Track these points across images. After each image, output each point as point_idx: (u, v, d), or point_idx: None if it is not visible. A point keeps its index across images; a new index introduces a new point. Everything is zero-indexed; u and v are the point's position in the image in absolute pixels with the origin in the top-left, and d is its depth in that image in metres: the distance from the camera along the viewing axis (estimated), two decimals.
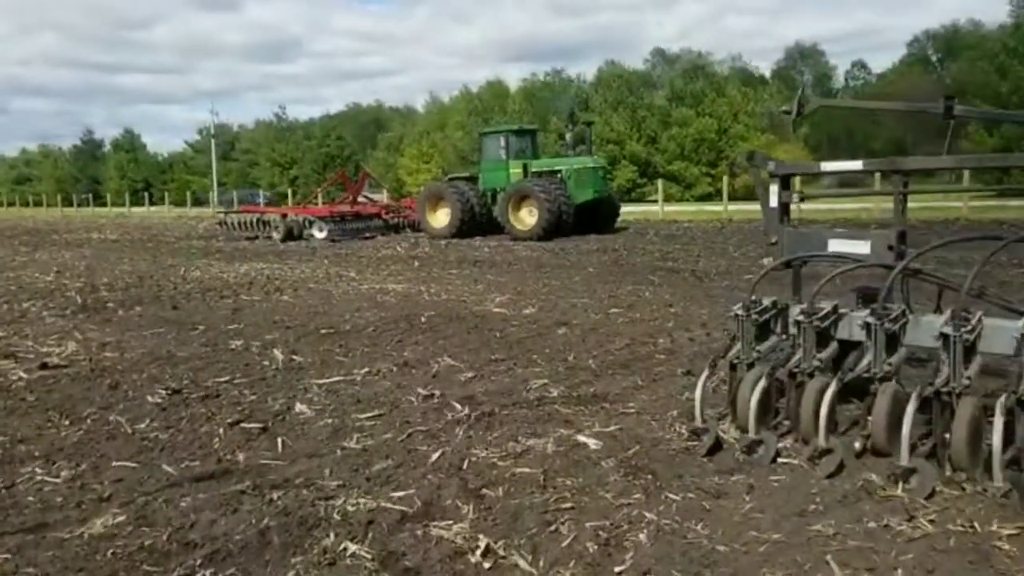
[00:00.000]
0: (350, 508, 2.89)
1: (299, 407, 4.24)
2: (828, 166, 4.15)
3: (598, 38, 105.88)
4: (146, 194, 54.73)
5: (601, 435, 3.65)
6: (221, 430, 3.88)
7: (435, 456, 3.43)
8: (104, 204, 55.58)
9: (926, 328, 3.35)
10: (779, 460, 3.24)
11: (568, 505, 2.88)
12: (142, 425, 3.98)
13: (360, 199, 22.44)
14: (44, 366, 5.33)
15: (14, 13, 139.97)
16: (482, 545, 2.56)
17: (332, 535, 2.68)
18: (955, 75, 39.58)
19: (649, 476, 3.14)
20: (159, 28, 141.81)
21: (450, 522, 2.76)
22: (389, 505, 2.91)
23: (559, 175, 17.99)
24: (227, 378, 4.93)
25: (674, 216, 24.71)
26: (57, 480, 3.26)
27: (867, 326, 3.34)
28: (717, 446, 3.41)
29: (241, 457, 3.50)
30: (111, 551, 2.60)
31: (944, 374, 3.06)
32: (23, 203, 64.36)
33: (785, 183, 4.11)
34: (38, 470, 3.37)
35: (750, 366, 3.62)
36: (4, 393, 4.67)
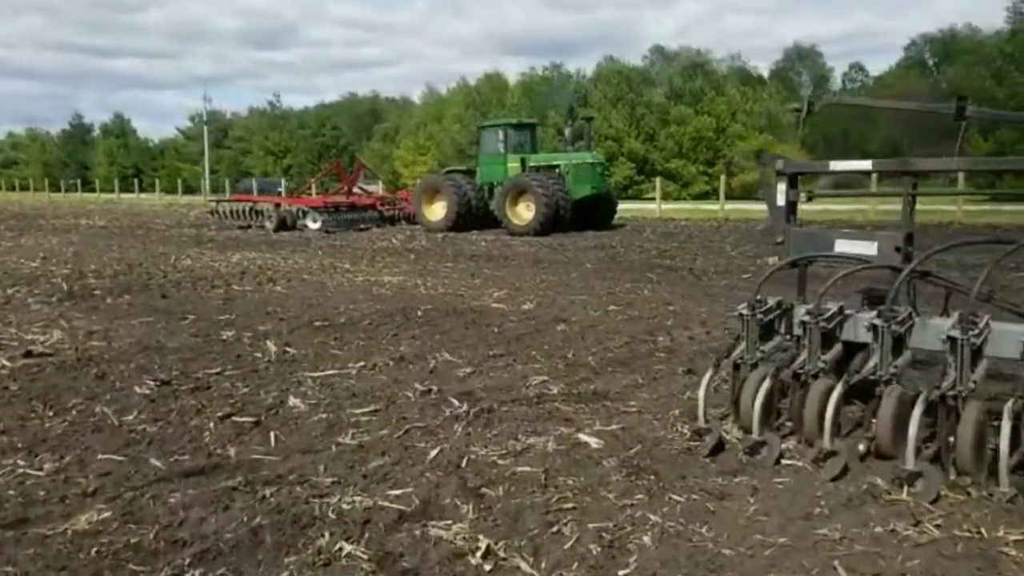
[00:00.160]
0: (345, 506, 2.82)
1: (292, 401, 4.15)
2: (837, 165, 4.09)
3: (597, 34, 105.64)
4: (136, 180, 54.18)
5: (602, 434, 3.59)
6: (212, 423, 3.79)
7: (433, 453, 3.36)
8: (92, 190, 54.85)
9: (933, 331, 3.32)
10: (782, 462, 3.21)
11: (570, 505, 2.83)
12: (129, 417, 3.89)
13: (355, 190, 22.30)
14: (28, 354, 5.20)
15: None
16: (482, 546, 2.50)
17: (327, 534, 2.60)
18: (951, 79, 39.67)
19: (652, 476, 3.09)
20: (152, 11, 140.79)
21: (449, 522, 2.70)
22: (386, 504, 2.84)
23: (557, 170, 17.90)
24: (218, 370, 4.83)
25: (671, 214, 24.70)
26: (40, 473, 3.16)
27: (874, 328, 3.31)
28: (719, 447, 3.37)
29: (232, 452, 3.42)
30: (95, 549, 2.51)
31: (951, 377, 3.05)
32: (9, 187, 63.37)
33: (793, 182, 4.05)
34: (20, 462, 3.27)
35: (754, 366, 3.57)
36: None
